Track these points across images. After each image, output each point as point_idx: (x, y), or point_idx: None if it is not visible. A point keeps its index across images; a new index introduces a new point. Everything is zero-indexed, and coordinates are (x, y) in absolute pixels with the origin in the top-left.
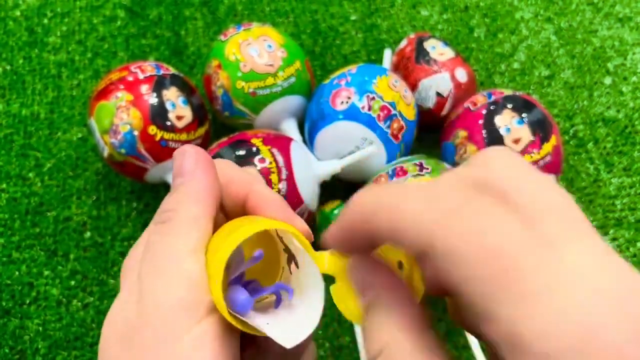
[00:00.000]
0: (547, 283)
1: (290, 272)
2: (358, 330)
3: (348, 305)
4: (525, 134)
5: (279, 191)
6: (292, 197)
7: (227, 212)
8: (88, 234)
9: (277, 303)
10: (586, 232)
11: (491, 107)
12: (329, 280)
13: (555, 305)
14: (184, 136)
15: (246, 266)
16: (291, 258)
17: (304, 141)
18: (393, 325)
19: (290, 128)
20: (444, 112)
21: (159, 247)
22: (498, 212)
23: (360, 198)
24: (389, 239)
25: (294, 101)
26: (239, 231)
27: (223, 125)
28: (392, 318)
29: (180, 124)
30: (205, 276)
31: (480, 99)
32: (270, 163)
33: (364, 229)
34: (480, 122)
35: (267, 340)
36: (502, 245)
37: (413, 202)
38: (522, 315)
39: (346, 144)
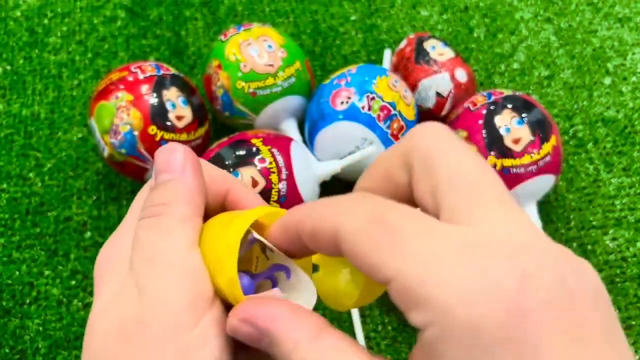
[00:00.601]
0: (416, 246)
1: (267, 258)
2: (358, 328)
3: (334, 289)
4: (525, 134)
5: (279, 191)
6: (292, 197)
7: (207, 209)
8: (88, 234)
9: (274, 285)
10: (485, 201)
11: (491, 107)
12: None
13: (442, 259)
14: (184, 136)
15: (242, 251)
16: (264, 246)
17: (304, 141)
18: (296, 346)
19: (290, 128)
20: (444, 112)
21: (154, 243)
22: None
23: (294, 210)
24: (311, 241)
25: (294, 101)
26: (242, 217)
27: (223, 126)
28: (291, 339)
29: (180, 124)
30: (204, 271)
31: (480, 99)
32: (270, 163)
33: (294, 237)
34: (480, 122)
35: None
36: (383, 215)
37: (326, 206)
38: (412, 271)
39: (346, 144)
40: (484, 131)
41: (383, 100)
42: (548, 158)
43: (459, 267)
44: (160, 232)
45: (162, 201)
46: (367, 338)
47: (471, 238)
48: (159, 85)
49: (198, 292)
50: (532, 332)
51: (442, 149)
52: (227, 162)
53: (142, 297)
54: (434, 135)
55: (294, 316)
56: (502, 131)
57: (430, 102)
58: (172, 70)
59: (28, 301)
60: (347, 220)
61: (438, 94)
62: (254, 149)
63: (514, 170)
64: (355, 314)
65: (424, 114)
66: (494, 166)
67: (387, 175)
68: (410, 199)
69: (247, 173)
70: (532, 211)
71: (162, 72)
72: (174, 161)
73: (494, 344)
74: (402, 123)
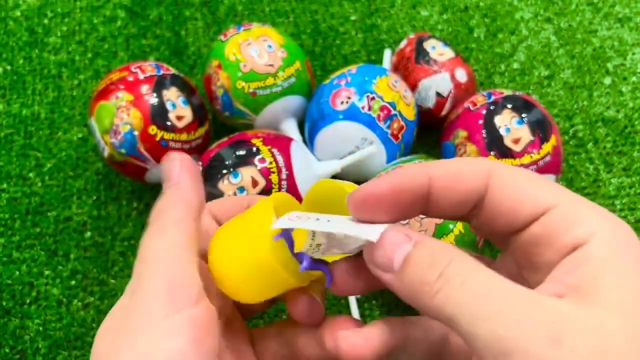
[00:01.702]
0: None
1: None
2: None
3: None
4: (525, 134)
5: (279, 191)
6: None
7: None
8: (88, 234)
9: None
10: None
11: (491, 107)
12: None
13: None
14: (184, 136)
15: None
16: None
17: (304, 141)
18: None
19: (290, 128)
20: (444, 112)
21: (146, 245)
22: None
23: (408, 168)
24: (445, 187)
25: (294, 101)
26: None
27: (223, 125)
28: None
29: (180, 124)
30: (191, 269)
31: (480, 99)
32: (271, 163)
33: (417, 183)
34: (480, 122)
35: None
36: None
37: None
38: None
39: (346, 144)
40: (484, 131)
41: (383, 100)
42: (548, 158)
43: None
44: (152, 234)
45: (159, 207)
46: None
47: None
48: (159, 85)
49: (179, 287)
50: None
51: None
52: (227, 162)
53: (131, 295)
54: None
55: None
56: (502, 131)
57: (430, 102)
58: (172, 70)
59: (28, 301)
60: (501, 165)
61: (438, 94)
62: (254, 148)
63: None
64: (355, 314)
65: (424, 114)
66: None
67: (457, 174)
68: (429, 209)
69: (247, 173)
70: None
71: (162, 72)
72: (173, 169)
73: None
74: (402, 123)
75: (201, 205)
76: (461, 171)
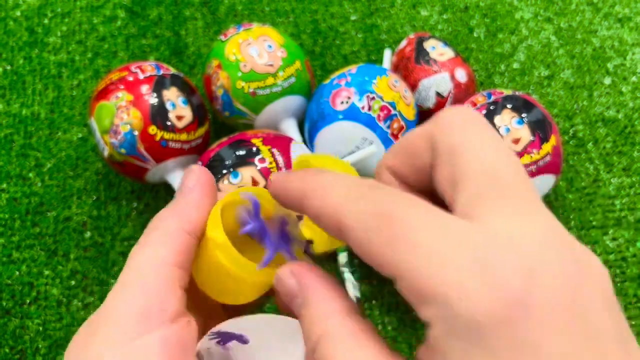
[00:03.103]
0: (425, 240)
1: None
2: None
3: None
4: (525, 134)
5: None
6: None
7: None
8: (88, 234)
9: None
10: (503, 195)
11: (491, 107)
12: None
13: (443, 253)
14: (184, 136)
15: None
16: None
17: (304, 141)
18: (326, 315)
19: (290, 128)
20: None
21: (133, 256)
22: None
23: (300, 176)
24: (313, 219)
25: (294, 101)
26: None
27: (223, 125)
28: (324, 308)
29: (180, 124)
30: (171, 287)
31: (480, 99)
32: (270, 163)
33: (294, 201)
34: None
35: None
36: (389, 209)
37: (332, 188)
38: (416, 267)
39: (346, 144)
40: None
41: (383, 100)
42: (548, 158)
43: (464, 264)
44: (142, 244)
45: (159, 216)
46: None
47: (480, 236)
48: (159, 85)
49: (153, 306)
50: (534, 330)
51: (469, 138)
52: (227, 162)
53: (101, 308)
54: (463, 121)
55: (335, 289)
56: (502, 131)
57: (431, 102)
58: (172, 70)
59: (28, 301)
60: (351, 213)
61: (438, 94)
62: (254, 148)
63: None
64: None
65: (424, 114)
66: None
67: (411, 155)
68: (430, 182)
69: (247, 173)
70: None
71: (162, 72)
72: (188, 182)
73: (495, 341)
74: (402, 123)
75: (202, 218)
76: (320, 214)
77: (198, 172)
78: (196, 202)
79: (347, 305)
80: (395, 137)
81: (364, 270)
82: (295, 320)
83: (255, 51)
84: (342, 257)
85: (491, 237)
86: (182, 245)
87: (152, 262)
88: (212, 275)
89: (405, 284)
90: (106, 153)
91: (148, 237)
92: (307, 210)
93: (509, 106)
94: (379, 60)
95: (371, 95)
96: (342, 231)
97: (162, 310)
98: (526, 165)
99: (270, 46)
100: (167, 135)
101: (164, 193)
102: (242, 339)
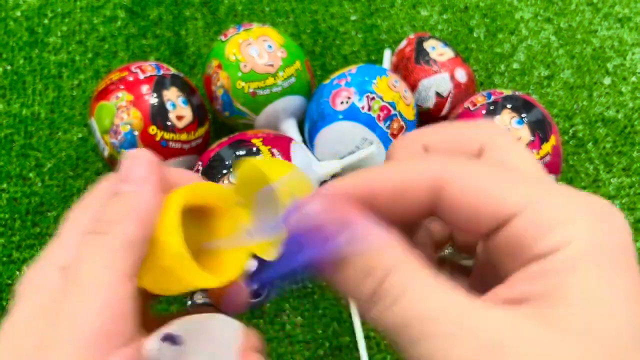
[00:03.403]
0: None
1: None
2: (358, 328)
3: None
4: (525, 134)
5: None
6: None
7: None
8: None
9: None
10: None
11: (490, 107)
12: None
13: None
14: (184, 136)
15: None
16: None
17: (304, 141)
18: (395, 247)
19: (290, 128)
20: (444, 112)
21: (89, 265)
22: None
23: (355, 176)
24: (388, 204)
25: (294, 101)
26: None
27: (223, 125)
28: (387, 241)
29: (180, 124)
30: (130, 305)
31: (480, 99)
32: None
33: (425, 185)
34: None
35: None
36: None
37: (414, 162)
38: (543, 198)
39: (346, 144)
40: None
41: (383, 100)
42: (548, 158)
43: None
44: (97, 255)
45: (112, 217)
46: (367, 338)
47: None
48: (159, 85)
49: (115, 327)
50: None
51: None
52: (227, 162)
53: (56, 320)
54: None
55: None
56: None
57: (430, 102)
58: (172, 70)
59: None
60: (455, 166)
61: (438, 94)
62: (254, 148)
63: None
64: (355, 313)
65: (424, 114)
66: None
67: (403, 196)
68: (410, 218)
69: None
70: None
71: (162, 72)
72: (138, 171)
73: None
74: (402, 123)
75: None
76: (405, 187)
77: (146, 159)
78: (153, 200)
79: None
80: (395, 137)
81: None
82: (234, 321)
83: (255, 51)
84: None
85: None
86: (142, 254)
87: (116, 275)
88: (154, 274)
89: (521, 220)
90: (106, 153)
91: (107, 240)
92: (384, 193)
93: (508, 106)
94: (379, 61)
95: (371, 96)
96: (440, 193)
97: (121, 331)
98: None
99: (270, 46)
100: (167, 135)
101: None
102: (176, 341)
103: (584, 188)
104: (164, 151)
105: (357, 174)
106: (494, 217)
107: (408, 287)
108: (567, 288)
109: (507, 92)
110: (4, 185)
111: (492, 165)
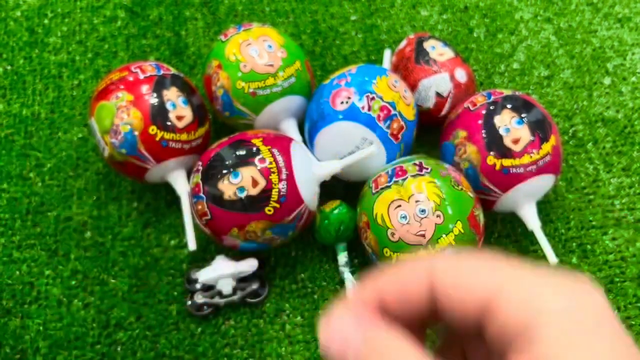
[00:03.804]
0: None
1: None
2: None
3: None
4: (525, 134)
5: (279, 191)
6: (292, 197)
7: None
8: (89, 234)
9: None
10: None
11: (490, 107)
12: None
13: None
14: (184, 136)
15: None
16: None
17: (304, 141)
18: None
19: (290, 128)
20: (444, 112)
21: None
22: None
23: (413, 260)
24: (449, 295)
25: (294, 101)
26: None
27: (223, 125)
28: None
29: (180, 124)
30: None
31: (480, 99)
32: (271, 163)
33: (421, 283)
34: (480, 122)
35: None
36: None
37: (475, 261)
38: None
39: (346, 144)
40: (483, 131)
41: (383, 100)
42: (548, 158)
43: None
44: None
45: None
46: None
47: None
48: (159, 85)
49: None
50: None
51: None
52: (227, 162)
53: None
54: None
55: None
56: (501, 131)
57: (430, 102)
58: (172, 70)
59: (28, 301)
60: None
61: (438, 94)
62: (254, 149)
63: (514, 170)
64: None
65: (424, 114)
66: (494, 166)
67: (405, 293)
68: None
69: (247, 173)
70: (532, 211)
71: (162, 72)
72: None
73: None
74: (402, 123)
75: None
76: (406, 286)
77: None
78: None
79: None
80: (395, 137)
81: (364, 270)
82: None
83: (255, 51)
84: (342, 258)
85: None
86: None
87: None
88: None
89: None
90: (106, 153)
91: None
92: (444, 284)
93: (508, 106)
94: (379, 61)
95: (371, 96)
96: (490, 305)
97: None
98: (526, 165)
99: (270, 46)
100: (167, 135)
101: (164, 193)
102: None
103: (583, 188)
104: (164, 151)
105: (364, 283)
106: (475, 305)
107: None
108: None
109: (507, 92)
110: (5, 185)
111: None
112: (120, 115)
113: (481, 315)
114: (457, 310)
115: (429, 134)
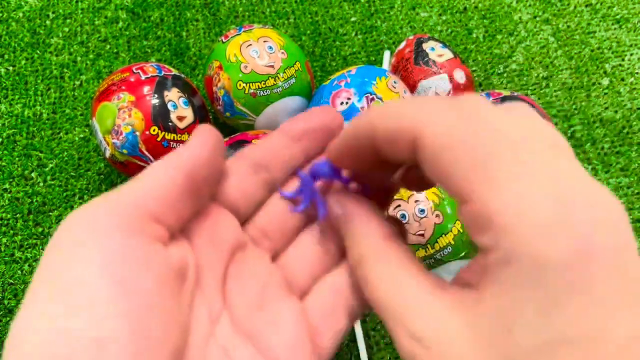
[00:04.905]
0: (517, 172)
1: None
2: (358, 328)
3: None
4: None
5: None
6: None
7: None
8: None
9: None
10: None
11: None
12: None
13: (523, 187)
14: (185, 137)
15: None
16: None
17: None
18: (366, 236)
19: None
20: None
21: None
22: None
23: (359, 116)
24: (384, 140)
25: (294, 102)
26: None
27: (224, 126)
28: (365, 230)
29: (181, 125)
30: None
31: None
32: None
33: (362, 136)
34: None
35: None
36: (485, 138)
37: (407, 104)
38: (492, 194)
39: None
40: None
41: (382, 101)
42: None
43: (540, 201)
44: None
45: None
46: (367, 336)
47: (564, 182)
48: (161, 86)
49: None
50: (590, 276)
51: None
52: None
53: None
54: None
55: (375, 216)
56: None
57: None
58: (174, 71)
59: None
60: (432, 121)
61: (437, 95)
62: None
63: None
64: None
65: None
66: None
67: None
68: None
69: None
70: None
71: (163, 73)
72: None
73: (553, 281)
74: None
75: (212, 179)
76: (392, 133)
77: (206, 131)
78: (202, 156)
79: (385, 230)
80: None
81: None
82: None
83: (255, 52)
84: None
85: (573, 186)
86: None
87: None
88: None
89: (472, 209)
90: (108, 153)
91: (128, 217)
92: (377, 135)
93: None
94: (379, 62)
95: (371, 96)
96: (416, 147)
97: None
98: None
99: (270, 47)
100: (168, 136)
101: None
102: None
103: None
104: (166, 152)
105: (368, 112)
106: (456, 194)
107: (370, 276)
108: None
109: (506, 92)
110: (7, 185)
111: None
112: (121, 116)
113: (413, 150)
114: (391, 150)
115: None
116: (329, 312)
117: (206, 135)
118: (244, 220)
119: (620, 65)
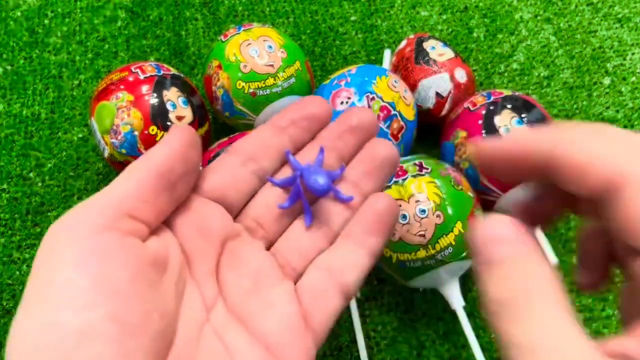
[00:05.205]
0: None
1: None
2: (358, 328)
3: None
4: None
5: None
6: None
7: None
8: None
9: None
10: None
11: (490, 108)
12: None
13: None
14: None
15: None
16: None
17: None
18: (537, 274)
19: None
20: (444, 112)
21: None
22: None
23: (538, 130)
24: (567, 172)
25: (294, 101)
26: None
27: (223, 125)
28: (536, 267)
29: (180, 124)
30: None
31: (480, 99)
32: None
33: (535, 157)
34: (480, 122)
35: None
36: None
37: (599, 139)
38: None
39: None
40: (483, 131)
41: (383, 101)
42: None
43: None
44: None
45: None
46: (367, 338)
47: None
48: (160, 85)
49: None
50: None
51: None
52: None
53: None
54: None
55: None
56: (501, 131)
57: (430, 102)
58: (173, 71)
59: None
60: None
61: (438, 94)
62: None
63: None
64: (355, 313)
65: (424, 114)
66: None
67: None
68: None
69: None
70: None
71: (162, 72)
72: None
73: None
74: (401, 123)
75: (185, 173)
76: (526, 152)
77: (180, 130)
78: (172, 154)
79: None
80: (395, 137)
81: None
82: None
83: (255, 52)
84: None
85: None
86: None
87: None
88: None
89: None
90: (107, 153)
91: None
92: (561, 165)
93: (508, 106)
94: (379, 61)
95: (371, 96)
96: (613, 191)
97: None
98: None
99: (270, 47)
100: None
101: None
102: None
103: None
104: None
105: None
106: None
107: (532, 312)
108: None
109: (507, 92)
110: (5, 185)
111: None
112: (120, 116)
113: (604, 192)
114: (576, 184)
115: (429, 134)
116: (320, 292)
117: (179, 134)
118: (237, 211)
119: (621, 64)
